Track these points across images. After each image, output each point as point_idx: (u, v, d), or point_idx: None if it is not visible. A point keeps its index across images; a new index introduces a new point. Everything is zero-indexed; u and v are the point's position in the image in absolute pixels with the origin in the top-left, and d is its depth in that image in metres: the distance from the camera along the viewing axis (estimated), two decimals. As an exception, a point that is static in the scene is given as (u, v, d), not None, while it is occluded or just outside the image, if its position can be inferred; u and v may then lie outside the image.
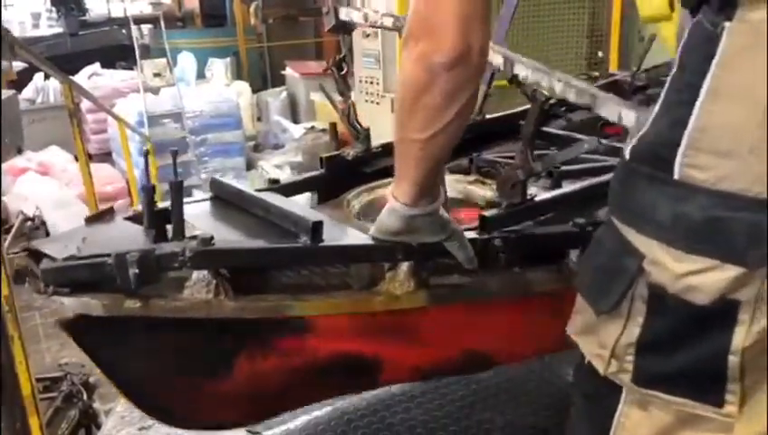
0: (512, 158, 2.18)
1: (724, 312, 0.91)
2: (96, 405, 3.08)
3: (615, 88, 2.67)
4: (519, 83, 1.81)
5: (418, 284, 1.54)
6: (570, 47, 5.81)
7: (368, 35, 6.17)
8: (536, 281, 1.66)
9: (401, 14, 5.17)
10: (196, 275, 1.41)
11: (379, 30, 5.92)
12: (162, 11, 9.21)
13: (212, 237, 1.39)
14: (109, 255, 1.33)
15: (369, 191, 2.07)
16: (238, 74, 8.73)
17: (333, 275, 1.56)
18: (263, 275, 1.52)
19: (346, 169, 2.10)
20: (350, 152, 2.12)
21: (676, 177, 0.92)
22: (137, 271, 1.32)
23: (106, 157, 7.07)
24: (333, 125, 6.87)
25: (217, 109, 6.41)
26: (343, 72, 2.11)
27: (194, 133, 6.28)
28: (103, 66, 8.45)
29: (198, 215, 1.64)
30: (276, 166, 6.72)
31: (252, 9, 9.36)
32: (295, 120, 7.86)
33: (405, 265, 1.52)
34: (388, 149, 2.14)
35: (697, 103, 0.91)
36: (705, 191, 0.90)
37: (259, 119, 7.71)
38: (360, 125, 2.14)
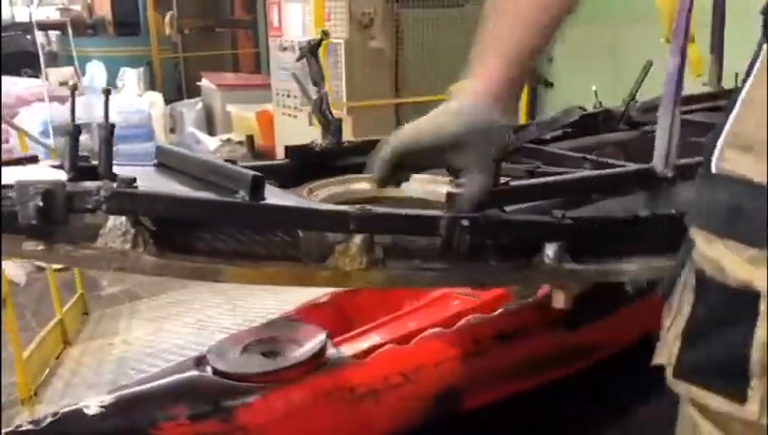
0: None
1: (748, 301, 0.94)
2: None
3: (607, 117, 2.69)
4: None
5: (372, 262, 1.38)
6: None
7: (285, 48, 6.17)
8: (502, 275, 1.55)
9: (318, 29, 5.21)
10: (112, 220, 1.23)
11: (297, 42, 5.95)
12: (70, 17, 8.87)
13: (134, 179, 1.22)
14: (11, 186, 1.16)
15: (338, 183, 1.88)
16: (152, 85, 8.52)
17: (277, 244, 1.37)
18: (193, 235, 1.32)
19: (313, 161, 1.97)
20: (320, 143, 2.01)
21: (713, 171, 1.05)
22: (39, 204, 1.14)
23: (7, 168, 6.72)
24: (250, 137, 6.82)
25: (128, 119, 6.22)
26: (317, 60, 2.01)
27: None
28: (7, 73, 8.05)
29: (134, 174, 1.42)
30: (191, 178, 6.60)
31: (167, 19, 9.18)
32: (211, 133, 7.73)
33: (359, 238, 1.36)
34: (361, 146, 2.05)
35: (733, 112, 1.05)
36: (733, 180, 1.01)
37: (173, 130, 7.53)
38: (332, 116, 2.03)
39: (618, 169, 1.96)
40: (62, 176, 1.30)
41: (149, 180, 1.43)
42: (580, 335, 2.37)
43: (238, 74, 9.02)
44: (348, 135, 5.61)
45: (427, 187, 1.94)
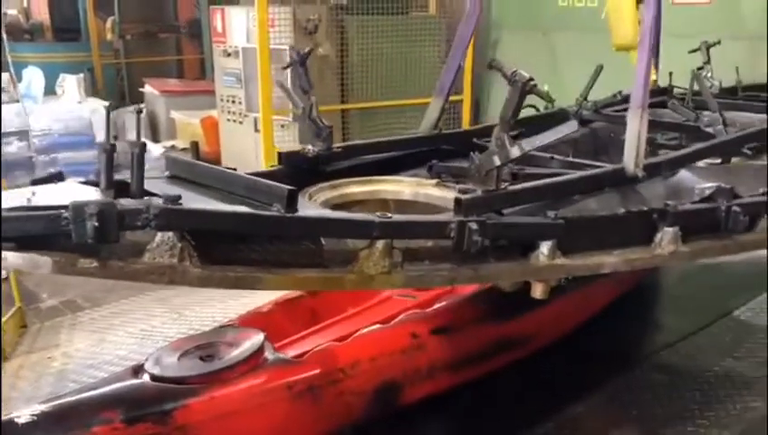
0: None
1: None
2: None
3: (560, 116, 2.83)
4: (498, 67, 1.79)
5: (393, 265, 1.50)
6: (426, 73, 6.08)
7: (229, 54, 6.14)
8: (503, 272, 1.68)
9: (262, 39, 5.20)
10: (159, 236, 1.30)
11: (241, 48, 5.92)
12: (6, 22, 8.62)
13: (179, 196, 1.30)
14: (65, 206, 1.20)
15: (332, 188, 2.03)
16: (93, 91, 8.35)
17: (304, 253, 1.48)
18: (230, 248, 1.41)
19: (305, 166, 2.06)
20: (311, 149, 2.08)
21: None
22: (96, 224, 1.19)
23: (-60, 178, 6.49)
24: (195, 144, 6.74)
25: (68, 127, 6.09)
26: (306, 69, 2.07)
27: (42, 152, 5.92)
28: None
29: (159, 189, 1.52)
30: (134, 186, 6.47)
31: (108, 24, 9.01)
32: (155, 139, 7.61)
33: (381, 244, 1.47)
34: (349, 151, 2.18)
35: None
36: None
37: (116, 137, 7.39)
38: (322, 122, 2.09)
39: (596, 171, 2.08)
40: (94, 193, 1.39)
41: (173, 192, 1.48)
42: (514, 326, 2.45)
43: (183, 80, 8.91)
44: (295, 142, 5.61)
45: (415, 189, 2.10)
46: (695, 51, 2.91)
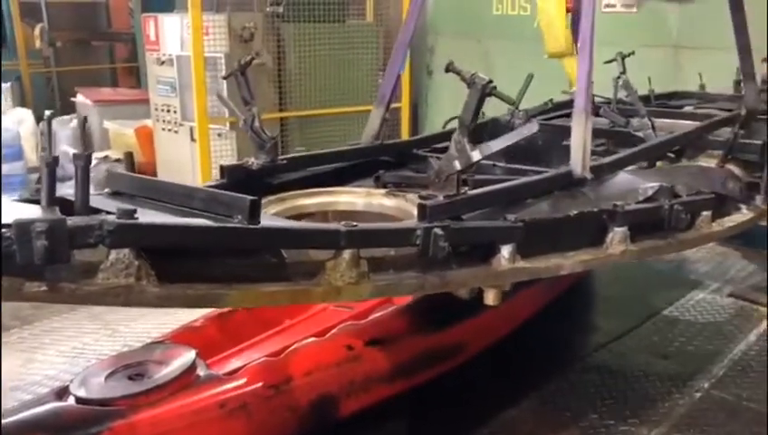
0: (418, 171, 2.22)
1: None
2: None
3: (495, 125, 2.89)
4: (456, 71, 1.79)
5: (360, 275, 1.45)
6: (364, 80, 6.10)
7: (162, 63, 6.01)
8: (469, 278, 1.66)
9: (196, 47, 5.12)
10: (113, 254, 1.19)
11: (175, 57, 5.81)
12: (-75, 30, 8.22)
13: (134, 210, 1.20)
14: (8, 225, 1.08)
15: (281, 201, 1.96)
16: (22, 101, 8.04)
17: (267, 266, 1.41)
18: (189, 264, 1.31)
19: (250, 180, 1.98)
20: (254, 162, 2.01)
21: None
22: (46, 243, 1.08)
23: None
24: (129, 154, 6.54)
25: (-7, 138, 5.85)
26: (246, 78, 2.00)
27: (-39, 165, 5.66)
28: None
29: (104, 205, 1.40)
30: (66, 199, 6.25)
31: (36, 31, 8.68)
32: (86, 149, 7.38)
33: (348, 253, 1.43)
34: (294, 163, 2.11)
35: None
36: None
37: (45, 148, 7.14)
38: (265, 134, 2.03)
39: (548, 174, 2.10)
40: (36, 210, 1.23)
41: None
42: (448, 336, 2.47)
43: (116, 89, 8.66)
44: (233, 152, 5.53)
45: (366, 199, 2.07)
46: (610, 61, 3.05)
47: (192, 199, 1.45)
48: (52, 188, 1.25)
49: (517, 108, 2.94)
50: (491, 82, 1.65)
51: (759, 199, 2.56)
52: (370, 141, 2.45)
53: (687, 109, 3.47)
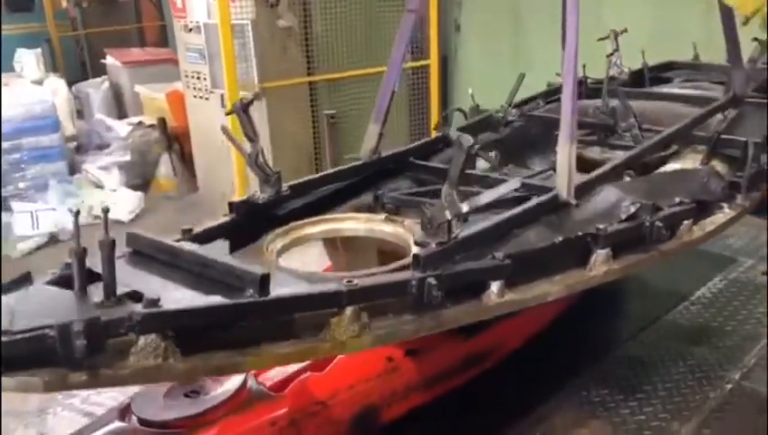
0: (418, 194, 2.39)
1: None
2: None
3: (489, 123, 3.09)
4: (443, 132, 2.00)
5: (362, 327, 1.59)
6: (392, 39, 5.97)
7: (190, 30, 5.99)
8: (461, 316, 1.79)
9: (223, 14, 5.09)
10: (143, 340, 1.35)
11: (203, 24, 5.78)
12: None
13: (158, 299, 1.36)
14: (50, 326, 1.24)
15: (284, 234, 2.11)
16: (53, 65, 8.10)
17: (277, 325, 1.55)
18: (209, 334, 1.47)
19: (257, 214, 2.12)
20: (261, 196, 2.13)
21: None
22: (85, 341, 1.24)
23: None
24: (162, 121, 6.63)
25: (31, 111, 5.92)
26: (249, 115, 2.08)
27: (5, 139, 5.80)
28: None
29: (129, 278, 1.55)
30: (102, 168, 6.39)
31: (62, -10, 8.67)
32: (120, 114, 7.48)
33: (349, 310, 1.57)
34: (297, 190, 2.24)
35: None
36: None
37: (79, 113, 7.23)
38: (269, 169, 2.14)
39: (533, 203, 2.15)
40: (69, 298, 1.40)
41: (144, 281, 1.57)
42: (482, 339, 2.57)
43: (145, 49, 8.65)
44: (263, 116, 5.54)
45: (367, 225, 2.21)
46: (603, 39, 3.06)
47: (208, 269, 1.60)
48: (83, 277, 1.40)
49: (510, 105, 3.12)
50: (475, 144, 1.88)
51: (740, 198, 2.60)
52: (369, 156, 2.56)
53: (677, 91, 3.55)
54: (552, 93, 3.34)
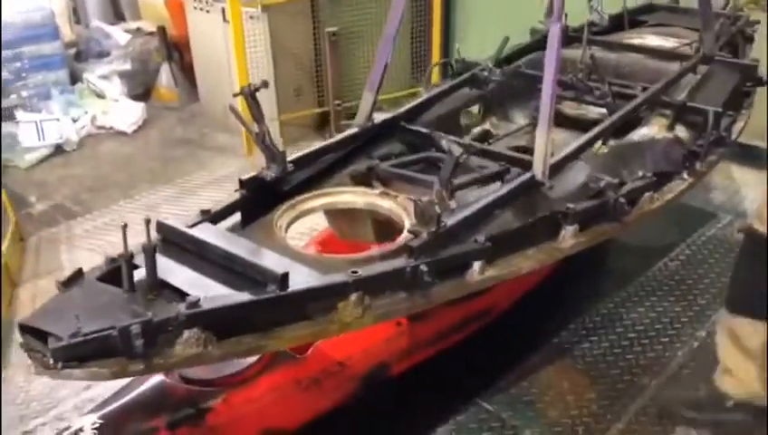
0: (409, 163, 2.67)
1: None
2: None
3: (473, 80, 3.29)
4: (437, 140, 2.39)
5: (364, 309, 1.89)
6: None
7: (189, -60, 5.79)
8: (448, 292, 2.07)
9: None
10: (186, 333, 1.65)
11: (202, -67, 5.59)
12: None
13: (198, 299, 1.67)
14: (113, 327, 1.55)
15: (290, 208, 2.37)
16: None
17: (293, 310, 1.84)
18: (238, 322, 1.77)
19: (266, 189, 2.35)
20: (268, 173, 2.33)
21: None
22: (142, 340, 1.56)
23: None
24: (162, 29, 6.53)
25: (30, 19, 5.82)
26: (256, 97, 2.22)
27: (6, 47, 5.76)
28: None
29: (166, 271, 1.84)
30: (103, 77, 6.38)
31: None
32: (118, 17, 7.33)
33: (354, 296, 1.86)
34: (299, 163, 2.47)
35: None
36: None
37: (77, 20, 7.10)
38: (275, 148, 2.33)
39: (512, 186, 2.39)
40: (119, 295, 1.72)
41: (179, 274, 1.84)
42: (480, 302, 2.86)
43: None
44: (266, 34, 5.46)
45: (364, 199, 2.46)
46: None
47: (233, 263, 1.87)
48: (131, 279, 1.73)
49: (495, 65, 3.34)
50: (463, 153, 2.12)
51: (699, 165, 2.83)
52: (363, 124, 2.78)
53: (652, 44, 3.75)
54: (536, 43, 3.55)
